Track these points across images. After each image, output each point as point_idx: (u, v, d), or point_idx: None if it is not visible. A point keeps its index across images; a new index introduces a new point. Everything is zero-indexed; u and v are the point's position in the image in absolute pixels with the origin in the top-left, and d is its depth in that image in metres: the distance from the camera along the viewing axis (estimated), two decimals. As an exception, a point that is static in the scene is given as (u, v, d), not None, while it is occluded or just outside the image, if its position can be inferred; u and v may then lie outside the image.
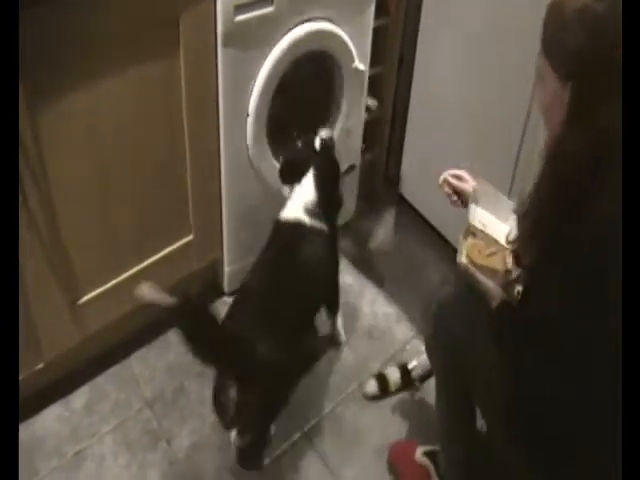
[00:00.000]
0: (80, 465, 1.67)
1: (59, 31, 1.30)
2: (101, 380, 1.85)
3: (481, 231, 1.36)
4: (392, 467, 1.71)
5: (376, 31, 2.03)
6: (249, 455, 1.69)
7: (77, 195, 1.53)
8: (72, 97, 1.40)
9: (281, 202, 1.90)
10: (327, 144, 1.78)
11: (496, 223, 1.38)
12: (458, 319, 1.37)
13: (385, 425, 1.81)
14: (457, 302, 1.39)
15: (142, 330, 1.91)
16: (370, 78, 2.10)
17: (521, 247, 1.22)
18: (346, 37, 1.87)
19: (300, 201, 1.70)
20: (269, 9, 1.64)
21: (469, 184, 1.52)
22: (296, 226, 1.68)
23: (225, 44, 1.60)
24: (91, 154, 1.51)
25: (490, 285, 1.30)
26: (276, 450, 1.73)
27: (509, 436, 1.28)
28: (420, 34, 2.09)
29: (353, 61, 1.93)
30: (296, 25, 1.74)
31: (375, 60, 2.10)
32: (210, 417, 1.73)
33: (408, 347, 2.01)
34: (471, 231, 1.37)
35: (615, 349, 0.98)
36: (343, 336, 1.99)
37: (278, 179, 1.84)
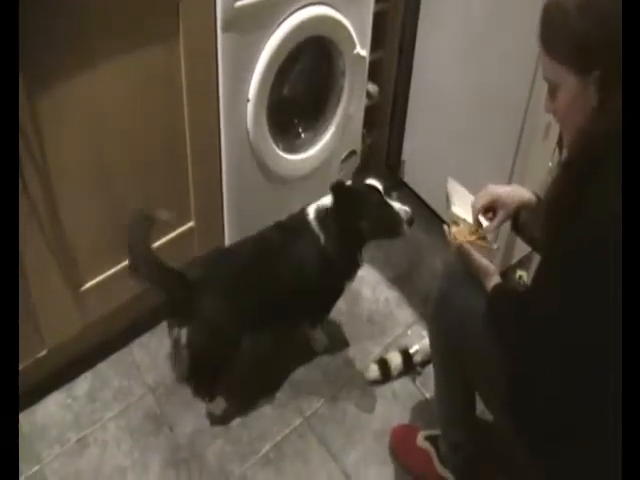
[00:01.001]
0: (83, 451, 1.68)
1: (58, 16, 1.29)
2: (103, 367, 1.85)
3: (463, 220, 1.43)
4: (393, 452, 1.72)
5: (376, 16, 2.01)
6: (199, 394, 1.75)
7: (77, 182, 1.52)
8: (71, 83, 1.39)
9: (281, 188, 1.91)
10: (370, 198, 1.68)
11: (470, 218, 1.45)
12: (458, 306, 1.38)
13: (387, 410, 1.82)
14: (457, 289, 1.40)
15: (143, 317, 1.91)
16: (371, 63, 2.08)
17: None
18: (347, 22, 1.86)
19: (322, 201, 1.70)
20: (269, -7, 1.63)
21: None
22: (303, 220, 1.69)
23: (225, 29, 1.59)
24: (91, 140, 1.50)
25: (485, 262, 1.33)
26: (278, 435, 1.74)
27: (510, 424, 1.29)
28: (420, 19, 2.07)
29: (355, 47, 1.92)
30: (296, 10, 1.73)
31: (376, 45, 2.09)
32: (212, 403, 1.75)
33: (409, 332, 2.01)
34: (454, 220, 1.44)
35: (615, 339, 0.99)
36: (321, 344, 1.95)
37: (278, 164, 1.83)
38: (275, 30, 1.71)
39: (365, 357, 1.93)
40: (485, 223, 1.43)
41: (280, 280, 1.65)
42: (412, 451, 1.67)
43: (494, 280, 1.30)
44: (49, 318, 1.61)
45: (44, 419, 1.73)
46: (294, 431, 1.76)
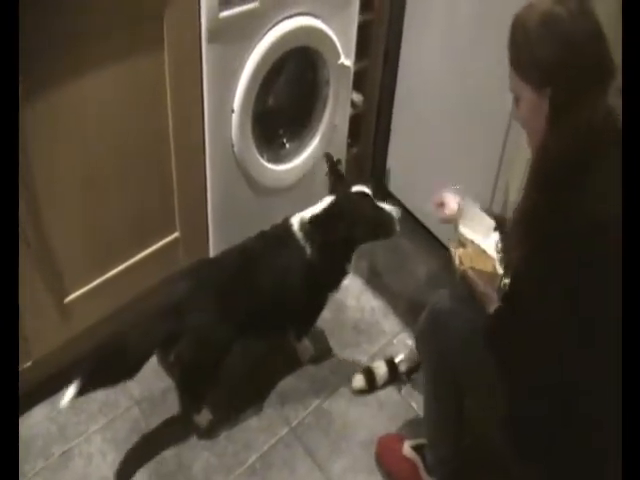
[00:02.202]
0: (68, 464, 1.66)
1: (45, 26, 1.29)
2: (89, 379, 1.84)
3: (471, 242, 1.43)
4: (380, 461, 1.72)
5: (361, 26, 2.03)
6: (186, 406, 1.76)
7: (62, 192, 1.52)
8: (57, 93, 1.39)
9: (266, 198, 1.91)
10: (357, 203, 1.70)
11: (481, 238, 1.45)
12: (455, 325, 1.38)
13: (373, 419, 1.82)
14: (454, 308, 1.41)
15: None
16: (355, 73, 2.10)
17: (512, 247, 1.25)
18: (331, 33, 1.87)
19: (306, 212, 1.70)
20: (254, 4, 1.63)
21: (452, 205, 1.53)
22: (287, 231, 1.69)
23: (209, 40, 1.59)
24: (76, 151, 1.50)
25: (489, 290, 1.33)
26: (264, 445, 1.73)
27: (509, 437, 1.30)
28: (405, 29, 2.09)
29: (339, 57, 1.93)
30: (281, 21, 1.74)
31: (360, 55, 2.11)
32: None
33: (395, 341, 2.02)
34: (461, 242, 1.44)
35: (607, 345, 1.01)
36: (306, 354, 1.95)
37: (263, 174, 1.83)
38: (260, 41, 1.72)
39: (351, 367, 1.93)
40: (491, 248, 1.42)
41: (265, 291, 1.65)
42: (398, 461, 1.67)
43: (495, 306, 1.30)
44: (34, 329, 1.59)
45: (29, 431, 1.71)
46: (280, 441, 1.75)
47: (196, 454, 1.71)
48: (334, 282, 1.77)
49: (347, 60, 1.96)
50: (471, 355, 1.34)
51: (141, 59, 1.51)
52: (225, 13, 1.58)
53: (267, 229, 1.73)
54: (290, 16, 1.75)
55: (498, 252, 1.40)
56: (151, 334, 1.53)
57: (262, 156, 1.91)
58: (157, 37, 1.51)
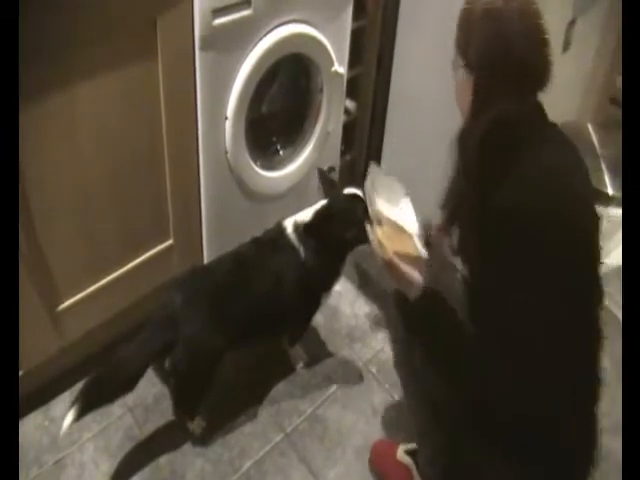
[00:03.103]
0: (61, 473, 1.65)
1: (38, 32, 1.28)
2: (81, 387, 1.83)
3: (387, 218, 1.30)
4: (374, 467, 1.72)
5: (354, 33, 2.03)
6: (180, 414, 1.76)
7: (55, 199, 1.51)
8: (49, 101, 1.38)
9: (260, 204, 1.90)
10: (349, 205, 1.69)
11: (397, 211, 1.36)
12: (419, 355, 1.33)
13: (367, 425, 1.82)
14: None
15: (122, 336, 1.87)
16: (349, 80, 2.11)
17: (445, 232, 1.29)
18: (325, 40, 1.88)
19: (299, 216, 1.71)
20: (247, 12, 1.63)
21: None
22: (281, 235, 1.69)
23: (203, 47, 1.59)
24: (69, 158, 1.50)
25: (415, 275, 1.23)
26: (258, 452, 1.73)
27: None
28: (398, 35, 2.09)
29: (332, 64, 1.93)
30: (274, 28, 1.74)
31: (353, 62, 2.11)
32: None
33: (387, 349, 2.02)
34: (377, 218, 1.30)
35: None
36: (300, 361, 1.96)
37: (257, 182, 1.83)
38: (253, 48, 1.72)
39: (345, 373, 1.94)
40: (414, 227, 1.34)
41: (260, 296, 1.65)
42: (392, 466, 1.67)
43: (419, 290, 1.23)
44: (26, 338, 1.56)
45: (21, 441, 1.70)
46: (274, 448, 1.75)
47: (190, 461, 1.70)
48: (328, 284, 1.78)
49: (340, 67, 1.96)
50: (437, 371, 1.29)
51: (134, 66, 1.51)
52: (218, 21, 1.58)
53: (260, 235, 1.73)
54: (283, 23, 1.75)
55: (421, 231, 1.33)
56: (146, 346, 1.53)
57: (256, 163, 1.91)
58: (150, 44, 1.51)
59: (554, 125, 1.21)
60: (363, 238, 1.67)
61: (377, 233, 1.28)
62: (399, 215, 1.34)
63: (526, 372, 1.08)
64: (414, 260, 1.25)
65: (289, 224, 1.70)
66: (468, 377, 1.14)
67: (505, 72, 1.12)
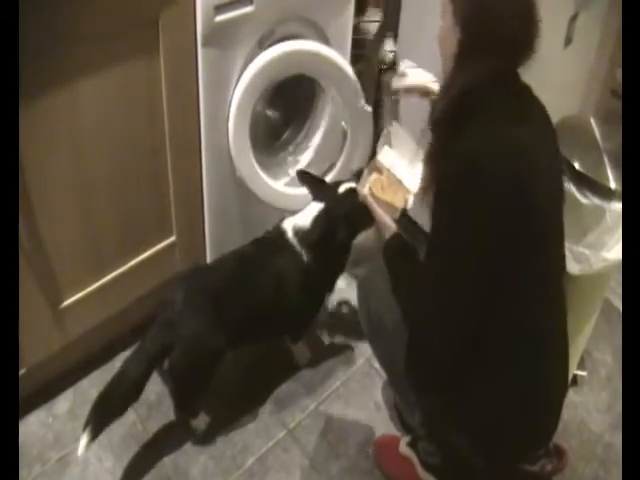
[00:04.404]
0: (64, 470, 1.66)
1: (40, 29, 1.28)
2: (85, 384, 1.84)
3: (387, 169, 1.40)
4: (377, 462, 1.72)
5: (356, 29, 2.02)
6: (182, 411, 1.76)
7: (57, 196, 1.51)
8: (51, 98, 1.38)
9: (262, 202, 1.89)
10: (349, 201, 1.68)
11: (404, 167, 1.43)
12: (379, 285, 1.43)
13: (370, 420, 1.82)
14: (375, 269, 1.48)
15: (125, 333, 1.89)
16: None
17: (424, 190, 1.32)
18: (350, 71, 1.85)
19: (298, 219, 1.70)
20: (249, 8, 1.63)
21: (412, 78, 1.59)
22: (281, 237, 1.69)
23: (205, 44, 1.59)
24: (71, 156, 1.49)
25: (386, 219, 1.39)
26: (261, 448, 1.74)
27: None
28: (400, 34, 2.09)
29: (359, 100, 1.88)
30: (285, 38, 1.75)
31: (356, 59, 2.10)
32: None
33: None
34: (377, 167, 1.41)
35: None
36: (303, 357, 1.95)
37: (260, 180, 1.83)
38: (259, 49, 1.72)
39: (348, 369, 1.94)
40: (414, 184, 1.42)
41: (262, 297, 1.65)
42: (395, 460, 1.68)
43: (392, 232, 1.38)
44: (28, 336, 1.58)
45: (24, 438, 1.70)
46: (277, 444, 1.75)
47: (193, 458, 1.71)
48: (332, 283, 1.79)
49: (368, 106, 1.93)
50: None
51: (136, 63, 1.50)
52: (220, 17, 1.57)
53: (261, 236, 1.73)
54: (294, 36, 1.77)
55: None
56: (147, 351, 1.53)
57: (258, 161, 1.87)
58: (152, 41, 1.50)
59: (527, 91, 1.25)
60: (364, 226, 1.68)
61: (372, 177, 1.41)
62: (404, 170, 1.42)
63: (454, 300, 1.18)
64: (390, 208, 1.39)
65: (289, 227, 1.70)
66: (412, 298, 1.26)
67: (490, 35, 1.16)
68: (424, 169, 1.29)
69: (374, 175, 1.40)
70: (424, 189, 1.30)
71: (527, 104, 1.26)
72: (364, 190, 1.42)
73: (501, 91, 1.19)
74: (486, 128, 1.17)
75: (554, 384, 1.33)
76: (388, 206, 1.40)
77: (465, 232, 1.15)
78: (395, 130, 1.47)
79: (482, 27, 1.17)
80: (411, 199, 1.41)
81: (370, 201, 1.42)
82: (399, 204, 1.41)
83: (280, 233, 1.70)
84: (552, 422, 1.34)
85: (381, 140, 1.47)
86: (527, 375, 1.26)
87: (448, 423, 1.36)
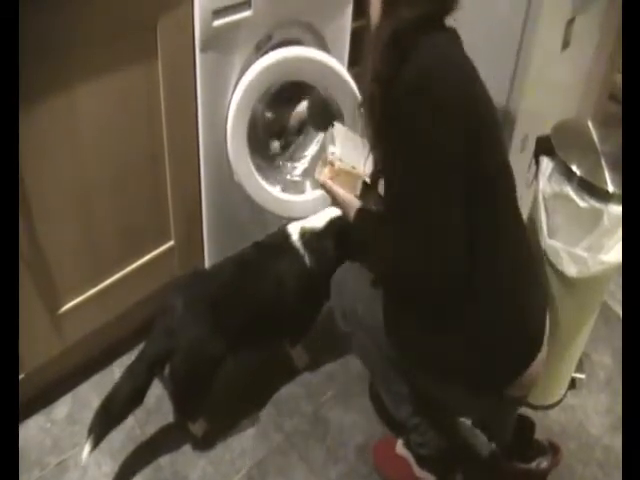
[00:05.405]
0: (63, 475, 1.65)
1: (38, 34, 1.28)
2: (84, 389, 1.83)
3: (339, 160, 1.45)
4: (376, 466, 1.72)
5: (354, 32, 2.03)
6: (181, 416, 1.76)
7: (56, 202, 1.51)
8: (49, 104, 1.38)
9: (260, 208, 1.89)
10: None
11: (353, 156, 1.46)
12: (350, 280, 1.52)
13: (368, 424, 1.82)
14: (345, 268, 1.57)
15: (124, 337, 1.89)
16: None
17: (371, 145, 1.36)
18: (350, 80, 1.85)
19: (307, 222, 1.71)
20: (247, 13, 1.63)
21: None
22: (285, 240, 1.69)
23: (203, 49, 1.59)
24: (70, 161, 1.49)
25: (348, 196, 1.43)
26: (260, 453, 1.73)
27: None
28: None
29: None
30: (283, 43, 1.75)
31: (354, 61, 2.10)
32: (194, 423, 1.73)
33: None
34: (329, 161, 1.45)
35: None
36: (301, 361, 1.95)
37: (259, 182, 1.83)
38: (257, 53, 1.72)
39: (346, 373, 1.94)
40: (362, 168, 1.45)
41: (262, 302, 1.65)
42: (392, 461, 1.69)
43: (356, 208, 1.41)
44: (27, 340, 1.57)
45: (23, 443, 1.70)
46: (276, 448, 1.75)
47: (192, 462, 1.70)
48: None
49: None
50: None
51: (135, 68, 1.50)
52: (219, 22, 1.57)
53: (262, 239, 1.73)
54: (288, 41, 1.76)
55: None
56: (148, 357, 1.54)
57: (255, 165, 1.88)
58: (151, 46, 1.50)
59: (454, 31, 1.30)
60: None
61: (324, 170, 1.45)
62: (354, 158, 1.46)
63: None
64: (349, 186, 1.44)
65: (294, 230, 1.70)
66: (397, 262, 1.26)
67: None
68: (368, 123, 1.31)
69: (328, 167, 1.45)
70: (374, 151, 1.35)
71: (456, 38, 1.31)
72: (321, 177, 1.45)
73: (430, 30, 1.23)
74: (425, 49, 1.20)
75: (538, 292, 1.40)
76: (347, 185, 1.44)
77: (431, 153, 1.17)
78: (337, 129, 1.52)
79: None
80: (367, 178, 1.47)
81: (329, 184, 1.44)
82: (358, 180, 1.46)
83: (284, 236, 1.70)
84: (539, 327, 1.36)
85: (324, 141, 1.53)
86: (510, 294, 1.30)
87: (436, 369, 1.37)
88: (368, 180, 1.46)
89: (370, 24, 1.32)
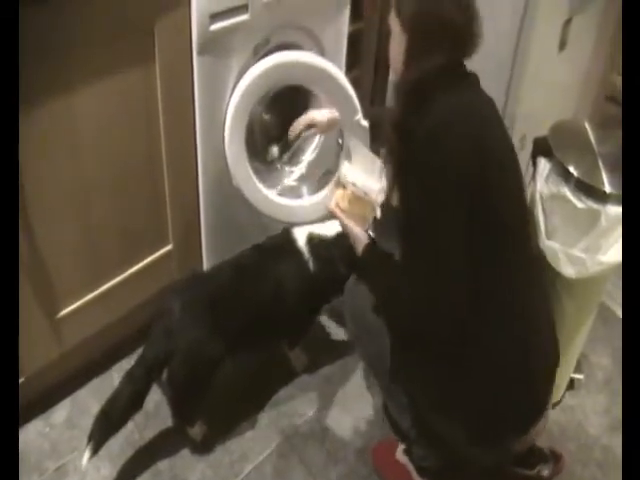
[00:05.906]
0: None
1: (37, 36, 1.28)
2: (82, 394, 1.83)
3: (352, 184, 1.43)
4: (375, 469, 1.72)
5: (352, 35, 2.03)
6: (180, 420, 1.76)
7: (54, 206, 1.51)
8: (47, 107, 1.38)
9: (258, 212, 1.88)
10: None
11: (367, 180, 1.45)
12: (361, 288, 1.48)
13: (368, 427, 1.82)
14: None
15: (123, 342, 1.89)
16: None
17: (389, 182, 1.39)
18: (347, 85, 1.86)
19: (317, 228, 1.71)
20: (244, 17, 1.63)
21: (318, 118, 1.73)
22: (290, 244, 1.69)
23: (200, 52, 1.59)
24: (68, 164, 1.49)
25: (357, 231, 1.41)
26: (259, 456, 1.73)
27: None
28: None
29: (355, 113, 1.85)
30: (281, 47, 1.75)
31: (351, 64, 2.11)
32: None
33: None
34: (342, 183, 1.44)
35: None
36: (300, 364, 1.95)
37: (257, 186, 1.83)
38: (254, 57, 1.72)
39: (345, 375, 1.93)
40: (374, 195, 1.45)
41: (261, 304, 1.65)
42: (392, 466, 1.68)
43: (364, 243, 1.41)
44: (26, 345, 1.56)
45: (22, 447, 1.69)
46: (275, 451, 1.75)
47: (191, 466, 1.70)
48: (335, 294, 1.77)
49: (364, 120, 1.91)
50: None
51: (132, 71, 1.50)
52: (216, 25, 1.57)
53: (262, 242, 1.73)
54: (286, 44, 1.77)
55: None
56: (146, 362, 1.54)
57: (253, 169, 1.87)
58: (148, 49, 1.51)
59: (474, 77, 1.33)
60: None
61: (338, 193, 1.44)
62: (367, 183, 1.44)
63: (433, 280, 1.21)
64: (359, 220, 1.42)
65: (301, 235, 1.70)
66: (399, 304, 1.28)
67: (434, 38, 1.24)
68: (387, 168, 1.35)
69: (340, 190, 1.44)
70: (390, 189, 1.36)
71: (475, 84, 1.33)
72: (331, 205, 1.45)
73: (451, 79, 1.26)
74: (441, 103, 1.23)
75: (545, 353, 1.37)
76: (357, 218, 1.42)
77: (440, 203, 1.20)
78: (354, 145, 1.50)
79: (429, 28, 1.24)
80: (378, 210, 1.46)
81: (339, 215, 1.44)
82: (368, 215, 1.45)
83: (289, 240, 1.70)
84: (544, 392, 1.37)
85: (341, 156, 1.50)
86: (519, 347, 1.30)
87: (439, 411, 1.38)
88: (378, 213, 1.46)
89: (390, 69, 1.36)
